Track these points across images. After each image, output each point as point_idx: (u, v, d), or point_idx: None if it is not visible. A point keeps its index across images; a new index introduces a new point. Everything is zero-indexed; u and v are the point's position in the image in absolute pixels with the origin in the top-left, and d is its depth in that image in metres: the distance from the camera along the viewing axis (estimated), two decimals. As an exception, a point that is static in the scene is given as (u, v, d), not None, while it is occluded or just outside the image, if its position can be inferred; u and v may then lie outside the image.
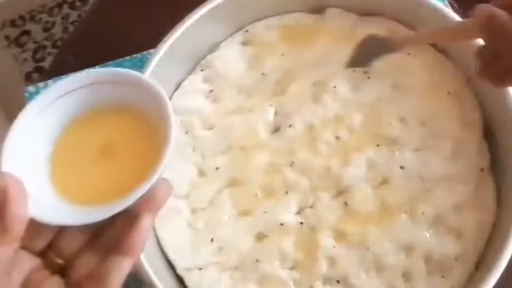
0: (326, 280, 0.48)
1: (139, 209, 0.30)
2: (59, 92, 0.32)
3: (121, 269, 0.30)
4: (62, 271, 0.30)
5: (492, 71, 0.37)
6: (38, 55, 1.43)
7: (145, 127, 0.33)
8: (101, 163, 0.32)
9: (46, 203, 0.30)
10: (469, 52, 0.50)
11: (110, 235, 0.30)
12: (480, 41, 0.39)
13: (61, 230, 0.30)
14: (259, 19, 0.59)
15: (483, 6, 0.35)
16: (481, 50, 0.37)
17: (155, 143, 0.31)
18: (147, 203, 0.30)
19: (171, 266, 0.50)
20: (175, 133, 0.31)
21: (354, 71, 0.54)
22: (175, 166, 0.53)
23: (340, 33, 0.57)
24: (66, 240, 0.30)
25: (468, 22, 0.38)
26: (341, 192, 0.50)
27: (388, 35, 0.52)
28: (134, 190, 0.29)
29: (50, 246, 0.30)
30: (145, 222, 0.30)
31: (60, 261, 0.30)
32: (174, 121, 0.31)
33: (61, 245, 0.30)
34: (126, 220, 0.30)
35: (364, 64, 0.50)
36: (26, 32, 1.46)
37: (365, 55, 0.47)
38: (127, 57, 0.64)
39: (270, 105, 0.54)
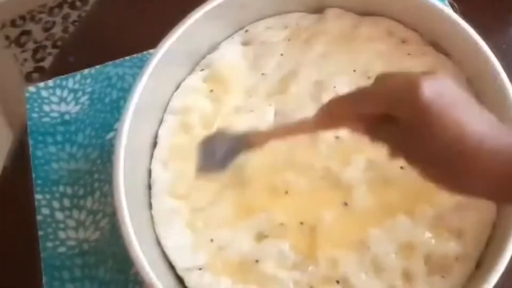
0: (326, 280, 0.48)
1: None
2: None
3: None
4: None
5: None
6: (38, 55, 1.43)
7: None
8: None
9: None
10: (469, 52, 0.51)
11: None
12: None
13: None
14: (259, 19, 0.59)
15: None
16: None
17: None
18: None
19: (171, 266, 0.50)
20: None
21: (354, 70, 0.54)
22: (175, 166, 0.53)
23: (340, 33, 0.57)
24: None
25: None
26: (341, 192, 0.50)
27: (240, 133, 0.44)
28: None
29: None
30: None
31: None
32: None
33: None
34: None
35: (220, 166, 0.44)
36: (26, 32, 1.47)
37: (216, 155, 0.43)
38: (127, 57, 0.64)
39: (270, 105, 0.54)
